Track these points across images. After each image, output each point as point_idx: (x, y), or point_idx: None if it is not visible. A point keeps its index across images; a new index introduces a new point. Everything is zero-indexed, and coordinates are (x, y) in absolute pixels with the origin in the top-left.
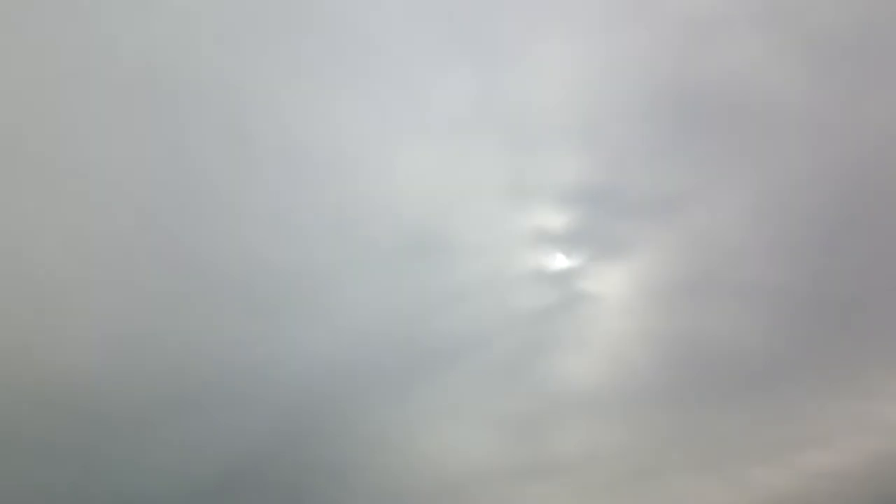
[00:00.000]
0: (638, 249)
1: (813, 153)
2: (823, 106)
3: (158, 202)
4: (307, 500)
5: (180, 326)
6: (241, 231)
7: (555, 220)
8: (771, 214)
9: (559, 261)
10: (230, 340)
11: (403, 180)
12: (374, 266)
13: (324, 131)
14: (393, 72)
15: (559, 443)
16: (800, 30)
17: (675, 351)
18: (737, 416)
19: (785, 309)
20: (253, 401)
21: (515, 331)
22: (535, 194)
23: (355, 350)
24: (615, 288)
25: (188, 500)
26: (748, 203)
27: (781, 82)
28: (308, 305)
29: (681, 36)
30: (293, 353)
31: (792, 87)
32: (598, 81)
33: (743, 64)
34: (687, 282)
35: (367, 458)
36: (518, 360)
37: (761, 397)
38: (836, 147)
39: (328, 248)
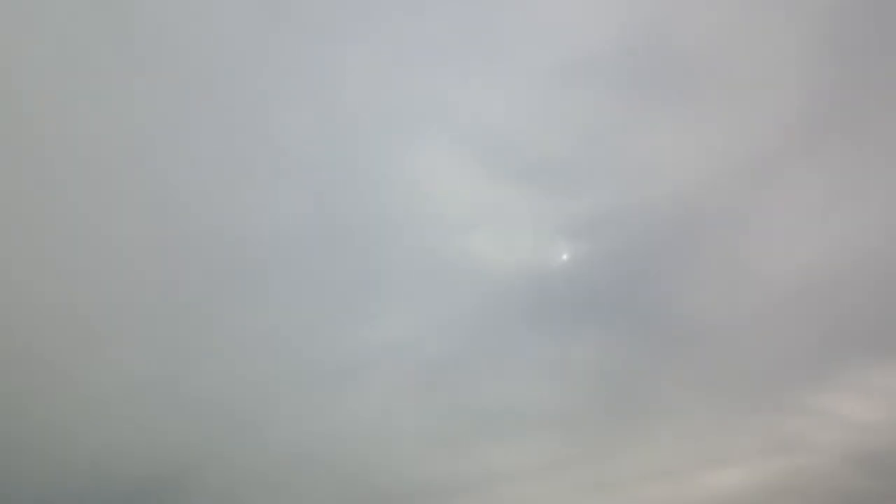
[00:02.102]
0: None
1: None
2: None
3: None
4: None
5: (89, 339)
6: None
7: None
8: None
9: None
10: (140, 355)
11: None
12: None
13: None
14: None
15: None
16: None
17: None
18: (634, 437)
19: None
20: (176, 409)
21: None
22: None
23: (271, 360)
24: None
25: None
26: None
27: None
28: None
29: None
30: (208, 365)
31: None
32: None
33: None
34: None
35: (291, 471)
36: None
37: (657, 416)
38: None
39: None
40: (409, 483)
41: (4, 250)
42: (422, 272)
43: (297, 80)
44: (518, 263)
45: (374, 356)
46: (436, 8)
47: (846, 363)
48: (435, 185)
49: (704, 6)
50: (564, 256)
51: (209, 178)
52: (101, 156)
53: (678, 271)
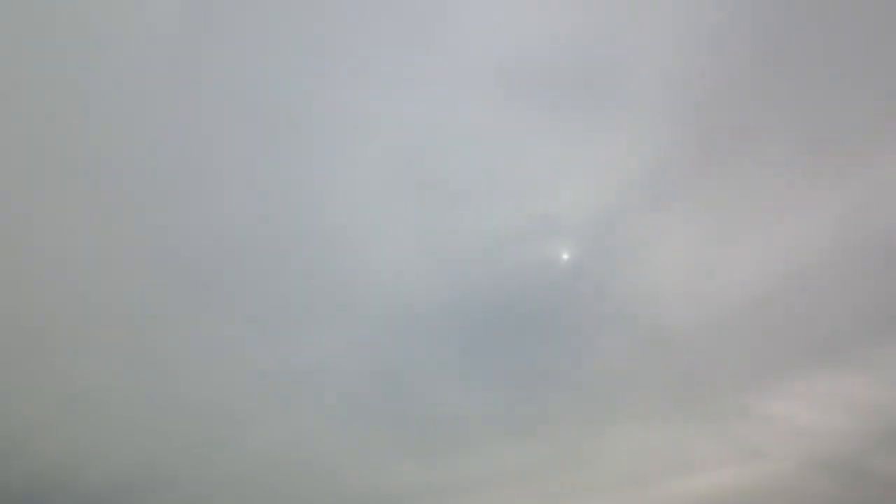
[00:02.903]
0: None
1: None
2: None
3: None
4: None
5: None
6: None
7: None
8: None
9: None
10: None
11: None
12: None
13: None
14: None
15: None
16: None
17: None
18: (597, 444)
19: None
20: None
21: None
22: None
23: (235, 369)
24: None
25: None
26: None
27: None
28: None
29: None
30: (171, 373)
31: None
32: None
33: None
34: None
35: (255, 478)
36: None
37: (620, 424)
38: None
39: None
40: (373, 491)
41: None
42: (365, 283)
43: (221, 89)
44: (465, 275)
45: (327, 365)
46: (344, 18)
47: (806, 370)
48: (349, 197)
49: (613, 24)
50: (565, 256)
51: (158, 190)
52: (67, 163)
53: (632, 279)
